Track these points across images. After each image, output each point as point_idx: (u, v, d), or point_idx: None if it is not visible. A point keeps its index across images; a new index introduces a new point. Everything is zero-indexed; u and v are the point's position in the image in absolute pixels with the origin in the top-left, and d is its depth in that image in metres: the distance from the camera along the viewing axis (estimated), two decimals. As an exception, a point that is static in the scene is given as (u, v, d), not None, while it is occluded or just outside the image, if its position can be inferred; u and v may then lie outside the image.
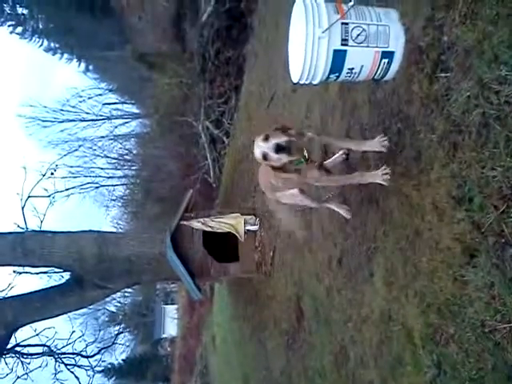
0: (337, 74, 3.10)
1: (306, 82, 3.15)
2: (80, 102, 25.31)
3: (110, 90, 28.78)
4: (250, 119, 11.13)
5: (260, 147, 3.10)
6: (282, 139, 3.03)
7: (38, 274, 10.19)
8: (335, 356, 4.43)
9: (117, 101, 25.89)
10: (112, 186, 26.68)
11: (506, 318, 2.22)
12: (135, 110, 25.54)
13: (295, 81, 3.19)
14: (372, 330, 3.66)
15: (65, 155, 22.92)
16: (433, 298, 2.80)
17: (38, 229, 9.72)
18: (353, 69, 3.08)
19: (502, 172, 2.27)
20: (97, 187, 26.08)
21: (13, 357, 10.69)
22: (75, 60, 34.92)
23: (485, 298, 2.35)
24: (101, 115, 24.93)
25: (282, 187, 3.72)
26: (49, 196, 11.79)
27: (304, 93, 6.12)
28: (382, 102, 3.62)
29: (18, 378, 10.73)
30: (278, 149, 3.01)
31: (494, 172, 2.32)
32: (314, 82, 3.15)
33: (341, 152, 4.03)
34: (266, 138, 3.05)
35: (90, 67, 34.51)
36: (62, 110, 25.38)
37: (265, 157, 3.09)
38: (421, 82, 3.01)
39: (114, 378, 41.66)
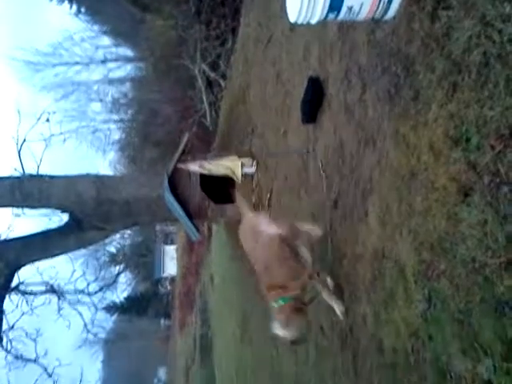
0: (335, 13, 3.01)
1: (304, 22, 3.06)
2: (73, 45, 24.63)
3: (104, 33, 27.87)
4: (247, 61, 10.90)
5: (281, 333, 3.56)
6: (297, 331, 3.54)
7: (37, 216, 10.31)
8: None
9: (110, 43, 25.16)
10: (108, 130, 26.49)
11: (496, 254, 2.30)
12: (130, 53, 24.85)
13: (292, 21, 3.08)
14: (366, 267, 3.78)
15: (58, 99, 22.52)
16: (426, 236, 2.88)
17: (36, 173, 9.71)
18: (352, 7, 2.99)
19: (500, 111, 2.28)
20: (93, 131, 25.90)
21: (17, 294, 11.01)
22: (66, 1, 33.53)
23: (477, 235, 2.43)
24: (95, 58, 24.35)
25: None
26: (44, 140, 11.69)
27: (302, 33, 5.98)
28: (381, 42, 3.56)
29: (24, 314, 11.10)
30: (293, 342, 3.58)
31: (492, 112, 2.34)
32: (312, 22, 3.05)
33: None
34: (286, 325, 3.50)
35: (82, 9, 33.18)
36: (54, 53, 24.74)
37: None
38: (421, 20, 2.96)
39: (116, 315, 43.13)
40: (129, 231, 37.76)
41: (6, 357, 10.65)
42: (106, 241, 33.77)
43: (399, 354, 3.21)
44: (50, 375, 11.20)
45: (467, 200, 2.51)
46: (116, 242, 40.73)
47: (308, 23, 3.08)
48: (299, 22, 3.04)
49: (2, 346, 10.44)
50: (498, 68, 2.31)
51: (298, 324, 3.48)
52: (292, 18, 3.07)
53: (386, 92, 3.37)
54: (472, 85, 2.49)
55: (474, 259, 2.45)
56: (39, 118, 11.20)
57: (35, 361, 11.09)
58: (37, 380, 11.14)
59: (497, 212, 2.30)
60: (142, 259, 42.66)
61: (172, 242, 39.10)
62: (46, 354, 11.27)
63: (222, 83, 14.96)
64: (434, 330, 2.80)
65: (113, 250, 41.58)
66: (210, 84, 15.48)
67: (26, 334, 10.99)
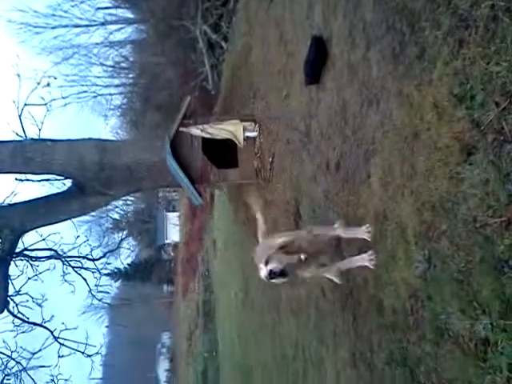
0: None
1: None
2: (72, 6, 24.04)
3: (103, -6, 27.18)
4: (250, 22, 10.66)
5: (261, 270, 3.47)
6: (277, 264, 3.38)
7: (39, 181, 10.27)
8: (331, 254, 4.60)
9: (110, 5, 24.55)
10: (110, 94, 26.18)
11: (497, 213, 2.29)
12: (130, 15, 24.28)
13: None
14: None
15: (57, 63, 22.19)
16: (428, 197, 2.86)
17: (37, 137, 9.64)
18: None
19: (507, 67, 2.23)
20: (94, 96, 25.61)
21: (22, 260, 11.11)
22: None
23: (479, 195, 2.40)
24: (94, 20, 23.80)
25: None
26: (45, 104, 11.52)
27: (306, -10, 5.81)
28: (386, -2, 3.45)
29: (29, 279, 11.21)
30: (272, 274, 3.40)
31: (498, 67, 2.28)
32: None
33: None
34: (266, 263, 3.40)
35: (80, -31, 32.30)
36: (53, 15, 24.17)
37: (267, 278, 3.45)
38: (428, -27, 2.86)
39: (120, 281, 43.77)
40: (132, 198, 37.94)
41: (13, 321, 10.82)
42: (109, 207, 34.00)
43: (399, 315, 3.24)
44: (56, 339, 11.41)
45: (470, 159, 2.48)
46: (119, 208, 41.03)
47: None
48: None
49: (9, 310, 10.59)
50: (506, 21, 2.24)
51: (278, 258, 3.44)
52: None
53: (390, 50, 3.30)
54: (479, 40, 2.43)
55: (475, 219, 2.43)
56: (39, 82, 11.01)
57: (41, 325, 11.27)
58: (44, 343, 11.35)
59: (499, 171, 2.27)
60: (144, 226, 42.98)
61: (174, 209, 39.25)
62: (51, 318, 11.45)
63: (224, 45, 14.68)
64: (433, 290, 2.81)
65: (116, 216, 41.90)
66: (211, 46, 15.19)
67: (32, 298, 11.13)
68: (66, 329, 11.47)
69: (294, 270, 3.51)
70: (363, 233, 3.59)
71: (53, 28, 23.78)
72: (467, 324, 2.47)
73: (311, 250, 3.61)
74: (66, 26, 23.76)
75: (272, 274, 3.39)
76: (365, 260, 3.58)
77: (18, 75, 10.86)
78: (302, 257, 3.48)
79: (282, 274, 3.40)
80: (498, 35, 2.30)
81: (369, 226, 3.57)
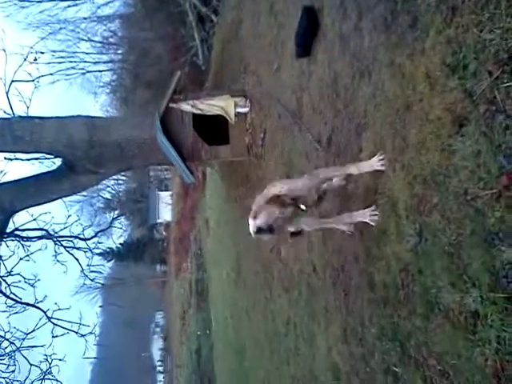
0: None
1: None
2: (58, -21, 23.45)
3: (90, -33, 26.53)
4: (240, -6, 10.44)
5: (250, 225, 3.23)
6: (266, 220, 3.15)
7: (29, 160, 10.14)
8: (323, 232, 4.58)
9: (98, -22, 23.99)
10: (99, 71, 25.78)
11: (488, 185, 2.25)
12: (118, -12, 23.78)
13: None
14: (358, 203, 3.73)
15: (44, 38, 21.71)
16: (419, 170, 2.82)
17: (26, 115, 9.46)
18: None
19: (500, 34, 2.17)
20: (83, 73, 25.20)
21: (13, 240, 11.02)
22: None
23: (470, 167, 2.36)
24: (82, -6, 23.28)
25: None
26: (33, 81, 11.29)
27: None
28: (379, -35, 3.35)
29: (21, 259, 11.14)
30: (259, 230, 3.18)
31: (491, 35, 2.22)
32: None
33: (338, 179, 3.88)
34: (254, 217, 3.18)
35: None
36: (39, -12, 23.59)
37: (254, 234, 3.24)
38: None
39: (112, 261, 43.83)
40: (123, 177, 37.74)
41: (5, 301, 10.79)
42: (101, 186, 33.83)
43: (389, 289, 3.23)
44: (49, 319, 11.40)
45: (462, 131, 2.43)
46: (110, 188, 40.82)
47: None
48: None
49: (1, 291, 10.55)
50: (500, -14, 2.16)
51: (268, 212, 3.19)
52: None
53: (382, 19, 3.21)
54: (472, 7, 2.36)
55: (466, 191, 2.39)
56: (26, 58, 10.77)
57: (34, 305, 11.24)
58: (37, 324, 11.33)
59: (491, 142, 2.23)
60: (136, 205, 42.85)
61: (167, 188, 39.11)
62: (44, 298, 11.41)
63: (214, 18, 14.39)
64: (424, 264, 2.79)
65: (107, 196, 41.72)
66: (201, 20, 14.89)
67: (25, 279, 11.07)
68: (60, 309, 11.44)
69: (284, 225, 3.31)
70: (377, 164, 3.29)
71: (39, 2, 23.19)
72: (457, 297, 2.45)
73: (311, 201, 3.41)
74: (52, 0, 23.21)
75: (259, 230, 3.19)
76: (366, 215, 3.42)
77: (4, 50, 10.62)
78: (303, 207, 3.31)
79: (270, 230, 3.19)
80: (491, 1, 2.23)
81: (382, 154, 3.27)
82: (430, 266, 2.72)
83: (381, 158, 3.27)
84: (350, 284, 3.94)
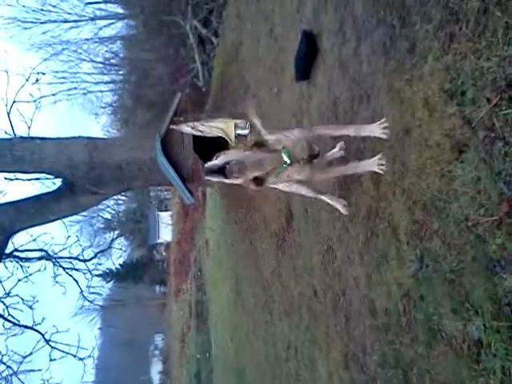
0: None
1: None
2: (61, 1, 23.80)
3: (92, -12, 26.96)
4: (240, 17, 10.57)
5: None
6: (221, 159, 2.82)
7: (29, 180, 10.16)
8: (323, 255, 4.55)
9: (100, 0, 24.35)
10: (100, 92, 26.02)
11: (489, 211, 2.23)
12: (120, 10, 24.08)
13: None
14: (359, 228, 3.71)
15: (46, 59, 21.98)
16: (419, 195, 2.81)
17: (27, 135, 9.52)
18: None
19: (497, 62, 2.17)
20: (84, 93, 25.43)
21: (12, 261, 10.98)
22: (51, -45, 32.28)
23: (470, 193, 2.35)
24: (84, 16, 23.58)
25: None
26: (34, 101, 11.40)
27: (296, -15, 5.74)
28: (376, -8, 3.39)
29: (19, 280, 11.09)
30: (209, 171, 2.83)
31: (489, 62, 2.23)
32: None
33: (337, 149, 3.82)
34: (216, 157, 2.85)
35: (68, -37, 32.01)
36: (42, 9, 23.91)
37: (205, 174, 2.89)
38: (418, -34, 2.79)
39: (112, 282, 43.50)
40: (123, 197, 37.75)
41: (3, 323, 10.69)
42: (101, 206, 33.78)
43: (391, 316, 3.19)
44: (47, 342, 11.28)
45: (461, 157, 2.43)
46: (110, 208, 40.76)
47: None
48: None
49: (-1, 313, 10.47)
50: (496, 15, 2.19)
51: (231, 154, 2.87)
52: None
53: (381, 44, 3.23)
54: (469, 35, 2.37)
55: (466, 217, 2.38)
56: (28, 79, 10.89)
57: (32, 327, 11.14)
58: (35, 346, 11.21)
59: (491, 168, 2.22)
60: (136, 225, 42.71)
61: (167, 209, 39.04)
62: (43, 320, 11.31)
63: (215, 40, 14.55)
64: (425, 290, 2.76)
65: (107, 216, 41.63)
66: (202, 41, 15.05)
67: (23, 300, 10.99)
68: (58, 331, 11.34)
69: (252, 168, 2.91)
70: (378, 129, 3.07)
71: (42, 23, 23.52)
72: (460, 325, 2.41)
73: (299, 154, 3.08)
74: (55, 22, 23.52)
75: (207, 171, 2.84)
76: (373, 165, 3.15)
77: (7, 71, 10.73)
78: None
79: (221, 172, 2.81)
80: (488, 29, 2.25)
81: (385, 121, 3.05)
82: (432, 293, 2.68)
83: (383, 125, 3.05)
84: (351, 309, 3.89)
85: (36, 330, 11.04)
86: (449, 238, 2.52)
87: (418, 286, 2.83)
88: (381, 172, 3.15)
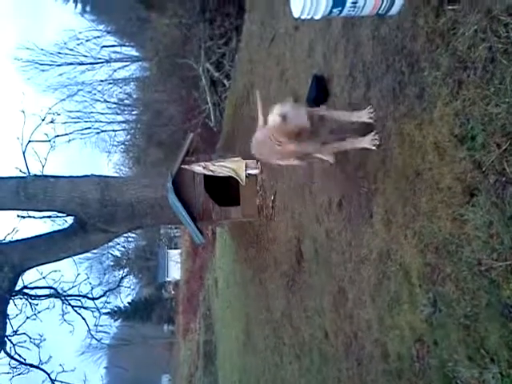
0: (340, 9, 2.96)
1: (308, 17, 3.01)
2: (78, 44, 24.67)
3: (108, 32, 27.92)
4: (251, 60, 10.84)
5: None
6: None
7: (41, 218, 10.25)
8: (334, 296, 4.51)
9: (115, 43, 25.21)
10: (113, 131, 26.52)
11: (502, 256, 2.22)
12: (134, 53, 24.90)
13: (296, 16, 3.04)
14: (370, 270, 3.69)
15: (62, 100, 22.57)
16: (431, 238, 2.80)
17: (40, 173, 9.67)
18: (356, 2, 2.94)
19: (506, 108, 2.21)
20: (98, 132, 25.93)
21: (21, 298, 10.94)
22: (71, 1, 33.65)
23: (483, 237, 2.34)
24: (99, 58, 24.37)
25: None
26: (49, 141, 11.61)
27: (306, 31, 5.90)
28: (386, 39, 3.48)
29: (28, 318, 11.01)
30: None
31: (498, 109, 2.26)
32: (316, 17, 3.01)
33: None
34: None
35: (87, 8, 33.32)
36: (59, 53, 24.79)
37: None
38: (427, 15, 2.88)
39: (120, 320, 43.05)
40: (133, 235, 37.80)
41: (9, 362, 10.54)
42: (111, 244, 33.84)
43: (404, 361, 3.13)
44: (53, 381, 11.09)
45: (472, 201, 2.44)
46: (120, 245, 40.80)
47: (312, 19, 3.02)
48: (303, 17, 2.99)
49: (6, 352, 10.34)
50: (504, 63, 2.24)
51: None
52: (296, 14, 3.03)
53: (390, 90, 3.30)
54: (477, 81, 2.42)
55: (479, 262, 2.36)
56: (44, 119, 11.14)
57: (38, 367, 10.98)
58: (40, 386, 11.01)
59: (503, 213, 2.22)
60: (146, 263, 42.62)
61: (176, 246, 38.99)
62: (49, 359, 11.16)
63: (226, 83, 14.91)
64: (439, 335, 2.72)
65: (117, 253, 41.63)
66: (214, 84, 15.43)
67: (30, 338, 10.89)
68: (64, 371, 11.16)
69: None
70: (366, 114, 3.57)
71: (58, 65, 24.33)
72: (475, 373, 2.36)
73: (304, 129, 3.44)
74: (71, 64, 24.32)
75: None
76: (366, 141, 3.53)
77: (23, 112, 10.99)
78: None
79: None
80: (496, 76, 2.29)
81: (371, 107, 3.56)
82: (446, 338, 2.64)
83: (371, 111, 3.56)
84: (363, 353, 3.82)
85: (42, 370, 10.87)
86: (462, 282, 2.50)
87: (431, 330, 2.79)
88: (373, 148, 3.50)
